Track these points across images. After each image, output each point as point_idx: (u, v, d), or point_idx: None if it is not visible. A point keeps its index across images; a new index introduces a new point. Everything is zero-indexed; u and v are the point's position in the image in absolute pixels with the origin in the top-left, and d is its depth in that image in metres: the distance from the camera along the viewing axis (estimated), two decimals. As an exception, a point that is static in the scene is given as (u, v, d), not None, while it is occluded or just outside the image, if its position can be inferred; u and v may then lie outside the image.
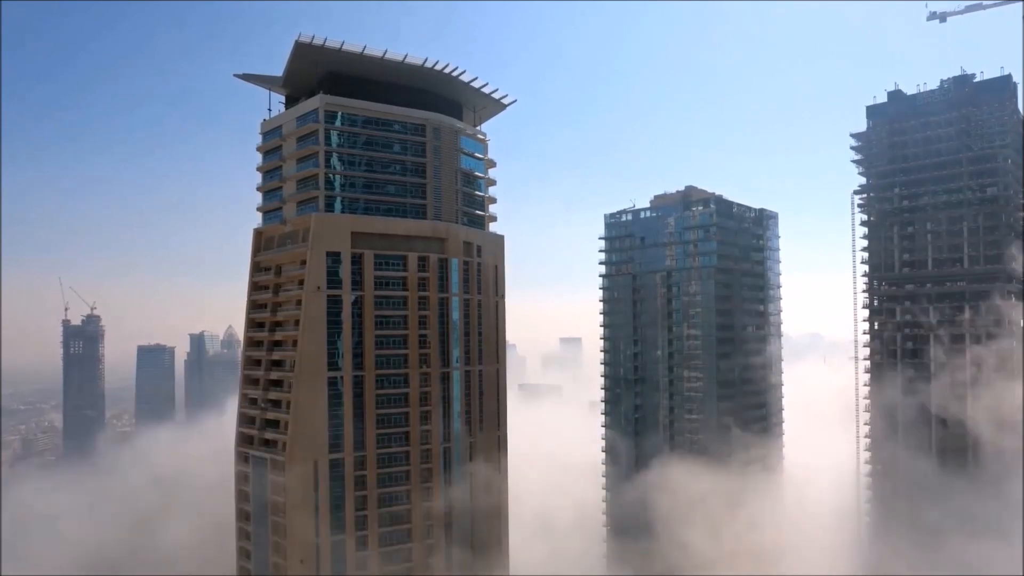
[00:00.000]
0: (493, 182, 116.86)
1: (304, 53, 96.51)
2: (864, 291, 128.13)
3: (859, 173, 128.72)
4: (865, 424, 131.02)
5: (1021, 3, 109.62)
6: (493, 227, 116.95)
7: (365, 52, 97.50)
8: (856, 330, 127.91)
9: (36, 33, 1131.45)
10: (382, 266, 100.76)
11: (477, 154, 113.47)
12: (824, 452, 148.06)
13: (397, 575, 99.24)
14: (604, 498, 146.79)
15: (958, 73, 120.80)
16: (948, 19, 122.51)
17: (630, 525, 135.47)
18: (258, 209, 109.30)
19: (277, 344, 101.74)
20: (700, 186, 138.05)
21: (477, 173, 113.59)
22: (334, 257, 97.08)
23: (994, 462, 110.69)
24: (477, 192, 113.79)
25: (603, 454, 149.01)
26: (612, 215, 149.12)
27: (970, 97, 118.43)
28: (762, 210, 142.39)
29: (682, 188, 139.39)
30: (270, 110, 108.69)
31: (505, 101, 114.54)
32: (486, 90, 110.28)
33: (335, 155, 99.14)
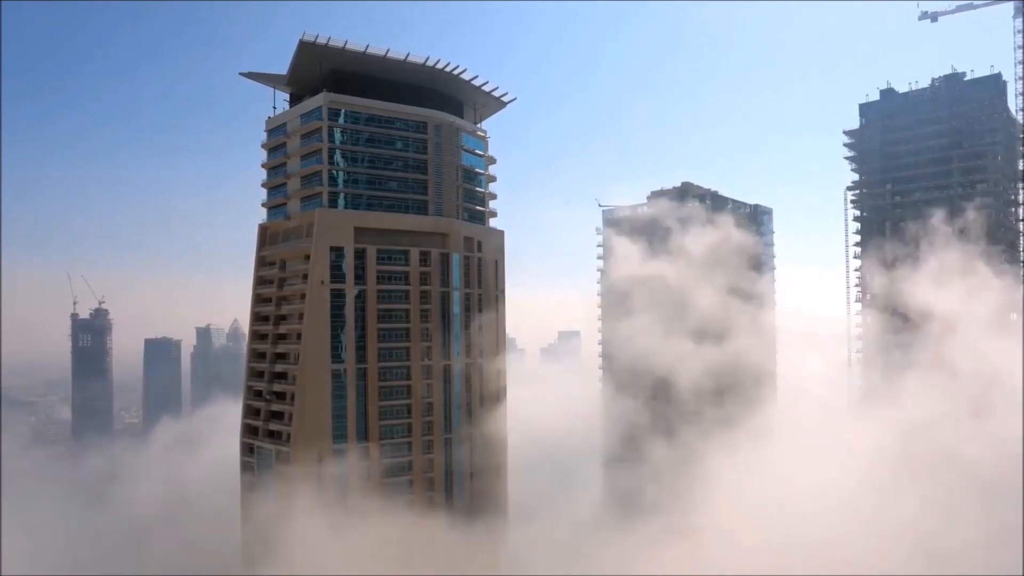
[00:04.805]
0: (493, 178, 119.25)
1: (308, 52, 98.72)
2: (857, 285, 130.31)
3: (852, 170, 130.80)
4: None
5: (1011, 2, 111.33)
6: (493, 223, 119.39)
7: (368, 51, 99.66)
8: (849, 324, 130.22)
9: (44, 34, 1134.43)
10: (385, 261, 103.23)
11: (478, 151, 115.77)
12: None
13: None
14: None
15: (949, 72, 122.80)
16: (939, 18, 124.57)
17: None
18: (263, 205, 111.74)
19: (281, 337, 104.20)
20: (696, 182, 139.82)
21: (478, 169, 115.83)
22: (337, 252, 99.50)
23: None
24: (478, 188, 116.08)
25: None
26: (610, 210, 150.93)
27: (961, 95, 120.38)
28: (757, 206, 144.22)
29: (678, 184, 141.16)
30: (275, 108, 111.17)
31: (505, 99, 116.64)
32: (486, 88, 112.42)
33: (338, 152, 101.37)
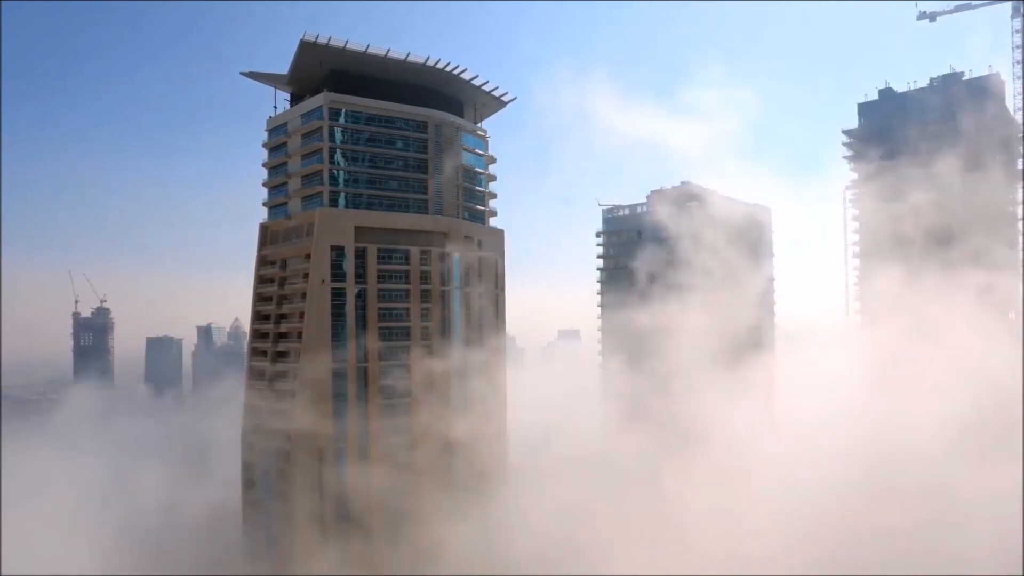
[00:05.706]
0: (493, 178, 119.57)
1: (309, 52, 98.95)
2: (856, 284, 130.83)
3: (851, 169, 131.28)
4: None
5: (1010, 2, 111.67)
6: (493, 222, 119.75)
7: (368, 51, 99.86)
8: (847, 322, 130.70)
9: (44, 34, 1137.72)
10: (385, 260, 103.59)
11: (478, 150, 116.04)
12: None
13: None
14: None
15: (947, 71, 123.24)
16: (938, 18, 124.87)
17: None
18: (264, 204, 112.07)
19: (282, 336, 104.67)
20: (696, 181, 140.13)
21: (478, 169, 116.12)
22: (338, 251, 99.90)
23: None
24: (478, 188, 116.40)
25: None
26: (609, 209, 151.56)
27: (959, 95, 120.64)
28: (756, 205, 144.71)
29: (678, 183, 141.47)
30: (275, 107, 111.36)
31: (505, 99, 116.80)
32: (486, 88, 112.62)
33: (339, 151, 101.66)
